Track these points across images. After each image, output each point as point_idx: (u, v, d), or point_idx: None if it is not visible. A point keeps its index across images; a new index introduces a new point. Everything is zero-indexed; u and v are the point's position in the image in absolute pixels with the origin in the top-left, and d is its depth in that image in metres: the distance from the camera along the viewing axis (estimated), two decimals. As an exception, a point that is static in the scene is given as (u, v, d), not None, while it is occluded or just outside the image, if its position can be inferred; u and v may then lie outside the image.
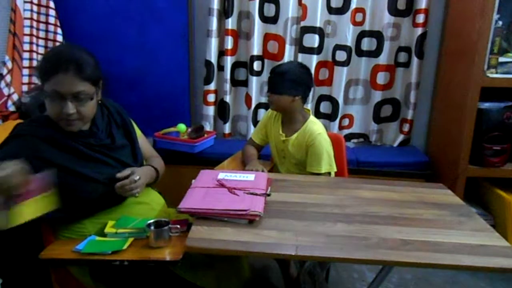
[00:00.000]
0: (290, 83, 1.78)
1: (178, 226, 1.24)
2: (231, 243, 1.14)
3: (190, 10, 2.78)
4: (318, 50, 2.76)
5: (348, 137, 2.97)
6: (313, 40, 2.73)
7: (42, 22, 2.67)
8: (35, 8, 2.60)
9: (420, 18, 2.63)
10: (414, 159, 2.68)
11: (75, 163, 1.27)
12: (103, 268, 1.24)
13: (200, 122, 2.92)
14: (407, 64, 2.77)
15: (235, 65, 2.89)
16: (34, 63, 2.63)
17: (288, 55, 2.78)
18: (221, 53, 2.84)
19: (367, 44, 2.78)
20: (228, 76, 2.83)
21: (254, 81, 2.83)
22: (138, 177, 1.31)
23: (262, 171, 1.77)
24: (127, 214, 1.35)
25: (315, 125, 1.86)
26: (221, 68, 2.87)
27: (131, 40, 2.81)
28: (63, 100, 1.21)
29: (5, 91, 2.50)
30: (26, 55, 2.59)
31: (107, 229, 1.24)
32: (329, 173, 1.85)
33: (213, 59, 2.80)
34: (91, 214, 1.32)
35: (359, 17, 2.72)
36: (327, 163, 1.81)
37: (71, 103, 1.22)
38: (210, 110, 2.92)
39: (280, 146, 1.92)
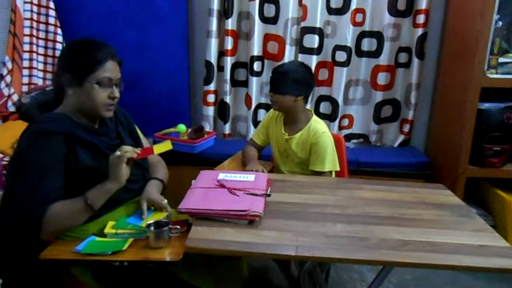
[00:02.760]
0: (292, 83, 1.78)
1: (178, 226, 1.24)
2: (231, 244, 1.14)
3: (190, 11, 2.78)
4: (318, 50, 2.76)
5: (348, 138, 2.97)
6: (313, 41, 2.73)
7: (42, 23, 2.67)
8: (35, 8, 2.60)
9: (421, 19, 2.63)
10: (414, 160, 2.68)
11: (93, 159, 1.29)
12: (105, 269, 1.24)
13: (200, 123, 2.92)
14: (407, 65, 2.77)
15: (235, 66, 2.89)
16: (34, 64, 2.63)
17: (288, 55, 2.78)
18: (221, 53, 2.84)
19: (367, 44, 2.78)
20: (228, 77, 2.83)
21: (254, 81, 2.83)
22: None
23: (262, 171, 1.77)
24: (131, 213, 1.35)
25: (319, 124, 1.87)
26: (221, 68, 2.87)
27: (131, 40, 2.81)
28: (110, 86, 1.30)
29: (5, 91, 2.50)
30: (26, 55, 2.59)
31: (107, 230, 1.24)
32: (330, 172, 1.85)
33: (213, 59, 2.80)
34: (97, 215, 1.32)
35: (359, 18, 2.72)
36: (331, 162, 1.81)
37: (116, 88, 1.32)
38: (210, 111, 2.92)
39: (282, 145, 1.92)
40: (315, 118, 1.90)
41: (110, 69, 1.29)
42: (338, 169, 1.86)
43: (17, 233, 1.17)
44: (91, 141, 1.29)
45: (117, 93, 1.32)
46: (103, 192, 1.25)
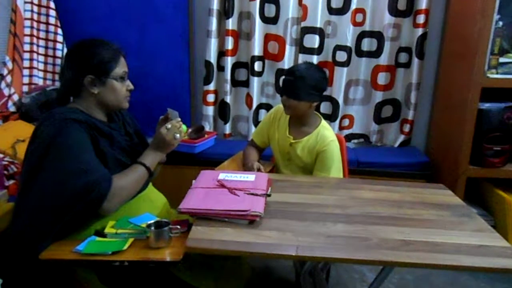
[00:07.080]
0: (310, 89, 1.72)
1: (179, 226, 1.24)
2: (231, 244, 1.14)
3: (190, 11, 2.78)
4: (319, 50, 2.76)
5: (348, 138, 2.97)
6: (313, 41, 2.73)
7: (43, 23, 2.67)
8: (35, 8, 2.60)
9: (421, 19, 2.63)
10: (414, 160, 2.68)
11: (111, 149, 1.33)
12: (110, 271, 1.24)
13: (200, 123, 2.92)
14: (407, 65, 2.77)
15: (236, 66, 2.89)
16: (35, 64, 2.63)
17: (289, 55, 2.78)
18: (221, 53, 2.84)
19: (368, 44, 2.78)
20: (229, 77, 2.83)
21: (255, 81, 2.83)
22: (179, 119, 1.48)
23: (259, 169, 1.77)
24: (133, 211, 1.35)
25: (328, 131, 1.83)
26: (221, 68, 2.87)
27: (132, 40, 2.81)
28: (125, 80, 1.39)
29: (6, 91, 2.50)
30: (26, 55, 2.60)
31: (107, 229, 1.24)
32: None
33: (213, 59, 2.81)
34: None
35: (359, 18, 2.72)
36: (336, 170, 1.80)
37: (128, 80, 1.42)
38: (210, 110, 2.92)
39: (285, 148, 1.88)
40: (323, 124, 1.86)
41: (124, 63, 1.38)
42: (341, 177, 1.85)
43: (77, 212, 1.19)
44: (108, 132, 1.33)
45: (132, 85, 1.41)
46: (154, 157, 1.40)
